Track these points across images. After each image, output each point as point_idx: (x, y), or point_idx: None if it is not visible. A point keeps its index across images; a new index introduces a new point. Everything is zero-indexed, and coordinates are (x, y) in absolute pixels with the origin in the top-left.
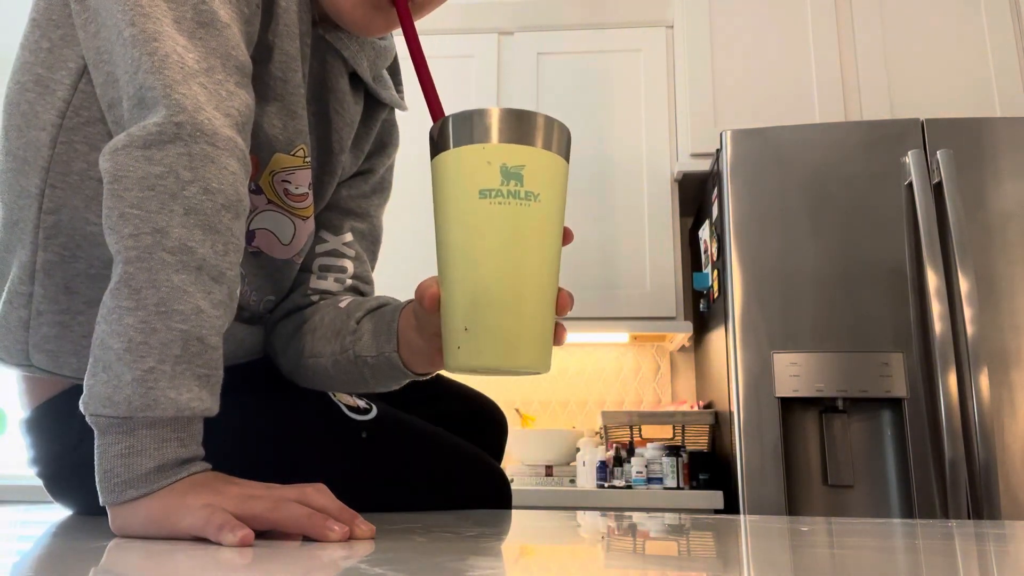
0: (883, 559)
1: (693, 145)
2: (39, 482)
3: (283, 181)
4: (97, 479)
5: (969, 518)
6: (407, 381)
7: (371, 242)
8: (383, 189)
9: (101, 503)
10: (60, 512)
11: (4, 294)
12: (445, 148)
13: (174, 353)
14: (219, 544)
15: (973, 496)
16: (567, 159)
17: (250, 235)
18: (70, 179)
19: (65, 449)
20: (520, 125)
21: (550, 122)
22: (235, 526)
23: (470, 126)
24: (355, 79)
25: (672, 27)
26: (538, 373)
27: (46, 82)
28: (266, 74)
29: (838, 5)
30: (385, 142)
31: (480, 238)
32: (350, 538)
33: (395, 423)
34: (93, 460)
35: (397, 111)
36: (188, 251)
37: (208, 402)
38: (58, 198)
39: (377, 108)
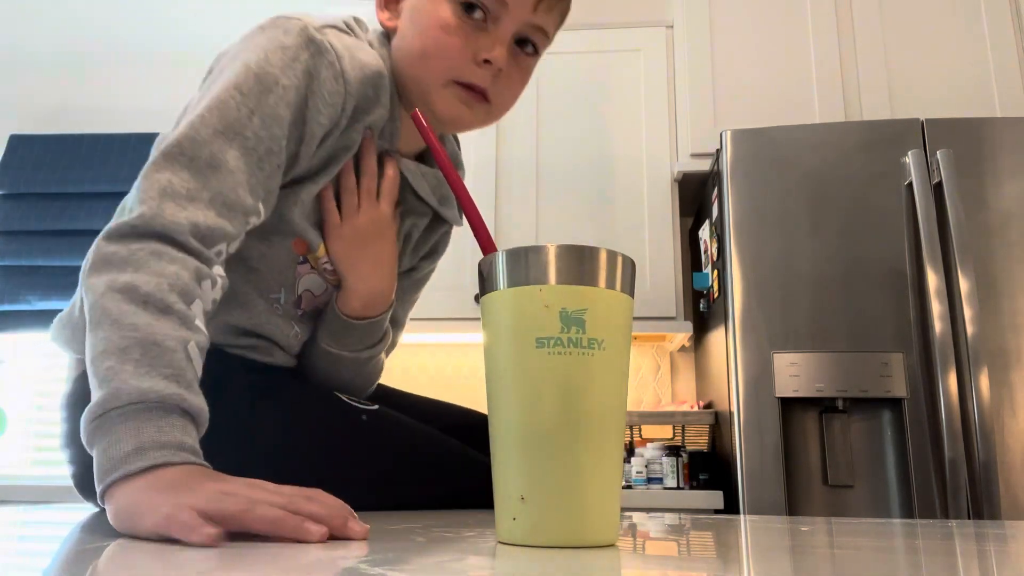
0: (883, 559)
1: (693, 145)
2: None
3: (324, 264)
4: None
5: (969, 518)
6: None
7: (392, 323)
8: (418, 288)
9: (99, 503)
10: (59, 513)
11: (76, 297)
12: (495, 288)
13: (134, 357)
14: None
15: (973, 496)
16: (632, 295)
17: (298, 300)
18: None
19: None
20: (581, 263)
21: (613, 257)
22: (199, 525)
23: (524, 264)
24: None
25: (672, 27)
26: (605, 545)
27: None
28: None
29: (838, 5)
30: (437, 248)
31: (537, 394)
32: (345, 538)
33: (395, 413)
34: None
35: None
36: (133, 289)
37: (179, 390)
38: None
39: (439, 222)
